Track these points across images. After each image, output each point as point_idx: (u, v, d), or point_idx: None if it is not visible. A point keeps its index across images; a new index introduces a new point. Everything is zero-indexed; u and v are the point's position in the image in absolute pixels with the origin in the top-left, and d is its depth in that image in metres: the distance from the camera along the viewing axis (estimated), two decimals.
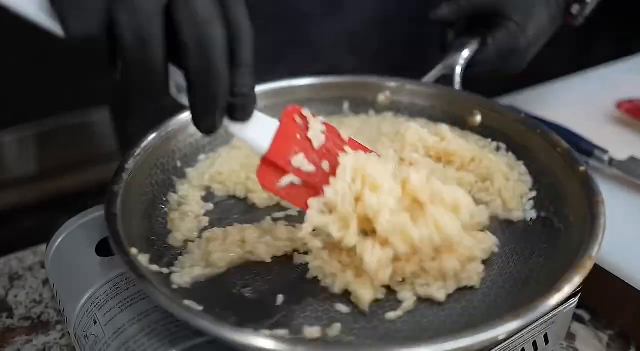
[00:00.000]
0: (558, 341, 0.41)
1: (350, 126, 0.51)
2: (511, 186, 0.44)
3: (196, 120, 0.33)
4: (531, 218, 0.43)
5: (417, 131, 0.47)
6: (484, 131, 0.50)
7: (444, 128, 0.48)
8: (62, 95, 1.43)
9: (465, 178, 0.45)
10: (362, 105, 0.54)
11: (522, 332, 0.37)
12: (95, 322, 0.35)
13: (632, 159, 0.53)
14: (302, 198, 0.36)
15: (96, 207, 0.43)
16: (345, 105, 0.54)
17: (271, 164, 0.36)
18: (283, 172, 0.36)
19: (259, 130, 0.35)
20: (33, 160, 1.49)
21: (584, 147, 0.53)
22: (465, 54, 0.54)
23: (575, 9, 0.55)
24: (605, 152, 0.53)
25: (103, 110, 1.47)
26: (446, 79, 0.54)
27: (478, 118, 0.51)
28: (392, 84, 0.54)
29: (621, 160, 0.52)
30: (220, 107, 0.32)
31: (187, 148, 0.47)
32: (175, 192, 0.44)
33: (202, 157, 0.48)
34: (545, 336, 0.39)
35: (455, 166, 0.47)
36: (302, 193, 0.36)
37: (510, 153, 0.48)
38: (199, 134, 0.46)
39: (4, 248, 0.52)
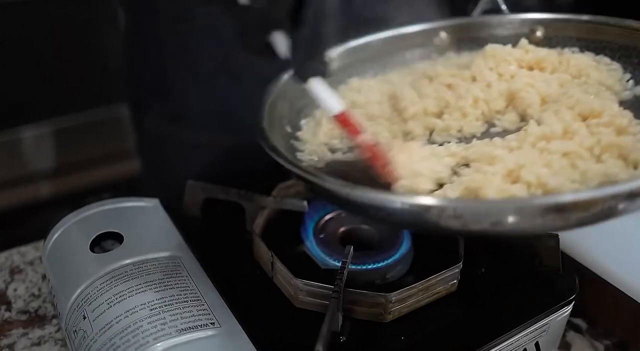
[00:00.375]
0: (551, 349, 0.41)
1: (417, 70, 0.51)
2: (606, 75, 0.44)
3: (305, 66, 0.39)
4: None
5: (502, 48, 0.48)
6: (549, 43, 0.50)
7: (523, 41, 0.48)
8: (80, 92, 1.45)
9: (563, 78, 0.45)
10: (421, 51, 0.53)
11: (512, 339, 0.36)
12: (84, 317, 0.36)
13: None
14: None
15: (93, 204, 0.44)
16: (408, 55, 0.53)
17: (345, 124, 0.38)
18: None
19: (332, 94, 0.39)
20: (50, 156, 1.51)
21: None
22: None
23: None
24: None
25: (121, 107, 1.49)
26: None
27: (539, 33, 0.51)
28: (446, 24, 0.53)
29: None
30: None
31: (289, 114, 0.46)
32: (301, 151, 0.43)
33: (303, 121, 0.47)
34: (537, 345, 0.39)
35: (548, 71, 0.46)
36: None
37: (587, 52, 0.47)
38: (297, 100, 0.46)
39: (19, 243, 0.53)
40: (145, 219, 0.43)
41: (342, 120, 0.38)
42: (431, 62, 0.52)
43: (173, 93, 0.65)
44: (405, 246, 0.42)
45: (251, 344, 0.34)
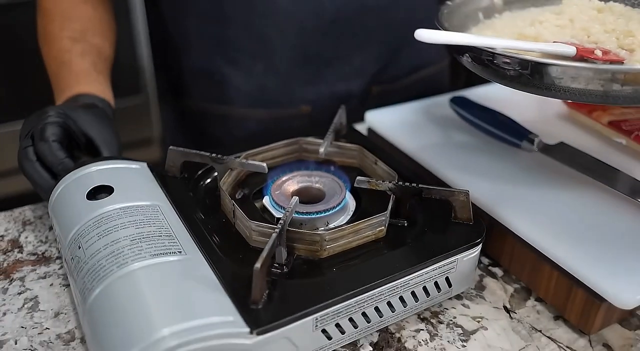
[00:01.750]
0: (464, 285, 0.49)
1: (524, 18, 0.59)
2: None
3: None
4: None
5: (578, 1, 0.57)
6: None
7: None
8: None
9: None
10: (488, 11, 0.63)
11: (423, 271, 0.45)
12: (79, 247, 0.45)
13: (561, 144, 0.60)
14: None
15: (91, 164, 0.53)
16: (480, 15, 0.63)
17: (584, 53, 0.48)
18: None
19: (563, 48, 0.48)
20: None
21: (518, 131, 0.61)
22: None
23: None
24: (536, 136, 0.60)
25: (143, 95, 1.59)
26: None
27: None
28: None
29: (550, 143, 0.60)
30: None
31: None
32: None
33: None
34: (447, 279, 0.47)
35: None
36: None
37: None
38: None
39: None
40: (133, 177, 0.53)
41: (582, 51, 0.48)
42: (509, 16, 0.62)
43: (214, 78, 0.76)
44: (344, 201, 0.50)
45: (209, 269, 0.43)
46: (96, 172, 0.52)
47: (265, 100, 0.78)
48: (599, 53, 0.48)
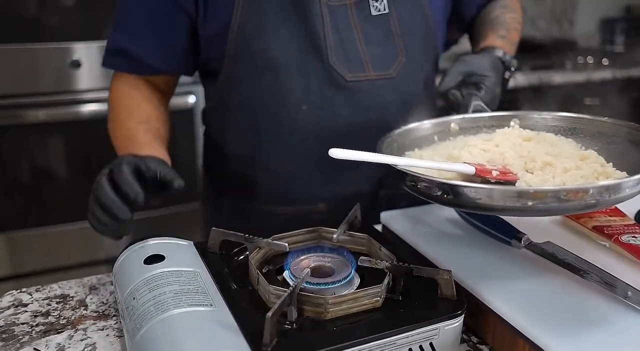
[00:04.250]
0: None
1: (458, 142, 0.74)
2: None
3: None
4: None
5: (510, 130, 0.72)
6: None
7: (515, 126, 0.75)
8: None
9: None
10: (444, 134, 0.78)
11: (408, 334, 0.53)
12: (134, 299, 0.56)
13: (547, 242, 0.69)
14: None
15: (149, 240, 0.66)
16: (435, 138, 0.78)
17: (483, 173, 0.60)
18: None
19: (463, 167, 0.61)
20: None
21: (508, 230, 0.70)
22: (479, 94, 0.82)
23: (507, 74, 0.89)
24: (524, 234, 0.69)
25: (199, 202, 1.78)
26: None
27: (513, 122, 0.77)
28: (457, 118, 0.79)
29: (537, 242, 0.69)
30: None
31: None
32: None
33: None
34: (431, 345, 0.55)
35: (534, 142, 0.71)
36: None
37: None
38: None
39: None
40: (181, 250, 0.65)
41: (480, 171, 0.59)
42: (460, 139, 0.76)
43: (249, 180, 0.92)
44: (350, 276, 0.61)
45: (233, 319, 0.53)
46: (152, 244, 0.65)
47: (289, 198, 0.92)
48: (495, 173, 0.58)
